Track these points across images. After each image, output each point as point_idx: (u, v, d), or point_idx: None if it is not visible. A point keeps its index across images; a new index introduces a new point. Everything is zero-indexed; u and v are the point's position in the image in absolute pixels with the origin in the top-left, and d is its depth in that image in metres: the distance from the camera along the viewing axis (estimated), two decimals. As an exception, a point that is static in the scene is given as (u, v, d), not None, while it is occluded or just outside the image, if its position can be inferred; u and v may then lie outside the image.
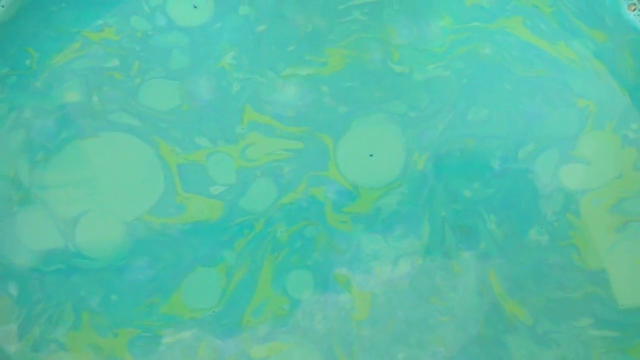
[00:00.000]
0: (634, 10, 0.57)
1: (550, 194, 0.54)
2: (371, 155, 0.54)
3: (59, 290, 0.51)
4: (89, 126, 0.53)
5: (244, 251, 0.52)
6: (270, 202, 0.53)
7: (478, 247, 0.53)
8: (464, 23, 0.57)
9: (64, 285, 0.51)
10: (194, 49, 0.54)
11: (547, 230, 0.53)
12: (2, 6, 0.54)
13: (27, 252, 0.51)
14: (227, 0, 0.55)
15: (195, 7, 0.54)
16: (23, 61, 0.53)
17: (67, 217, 0.52)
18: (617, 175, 0.54)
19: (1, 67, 0.53)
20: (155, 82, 0.54)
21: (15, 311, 0.51)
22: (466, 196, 0.54)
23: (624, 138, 0.54)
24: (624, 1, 0.56)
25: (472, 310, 0.52)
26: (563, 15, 0.56)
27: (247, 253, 0.52)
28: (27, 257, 0.51)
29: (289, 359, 0.51)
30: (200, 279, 0.52)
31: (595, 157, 0.54)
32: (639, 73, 0.55)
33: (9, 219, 0.52)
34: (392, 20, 0.56)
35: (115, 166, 0.52)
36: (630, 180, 0.54)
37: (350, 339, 0.51)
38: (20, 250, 0.51)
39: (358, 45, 0.55)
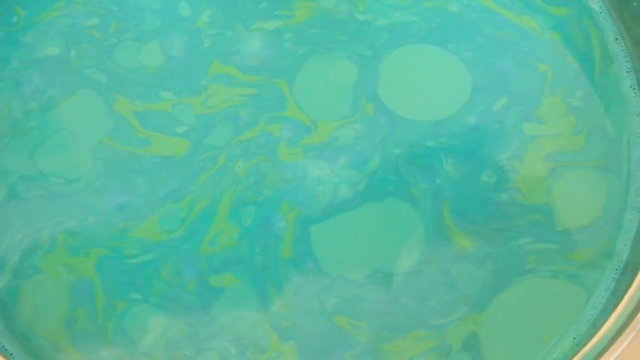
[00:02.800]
0: None
1: (508, 144, 0.58)
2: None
3: (38, 216, 0.56)
4: (66, 82, 0.58)
5: (207, 184, 0.56)
6: (229, 139, 0.57)
7: (433, 182, 0.57)
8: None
9: (44, 211, 0.56)
10: (167, 11, 0.60)
11: (496, 173, 0.57)
12: None
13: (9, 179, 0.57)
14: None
15: None
16: (11, 18, 0.59)
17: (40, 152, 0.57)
18: (558, 133, 0.58)
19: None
20: (130, 43, 0.59)
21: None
22: (428, 145, 0.58)
23: (568, 105, 0.59)
24: None
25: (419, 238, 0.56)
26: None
27: (209, 186, 0.56)
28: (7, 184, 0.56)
29: (239, 293, 0.55)
30: (170, 212, 0.56)
31: (547, 118, 0.59)
32: (586, 44, 0.60)
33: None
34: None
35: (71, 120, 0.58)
36: (567, 140, 0.58)
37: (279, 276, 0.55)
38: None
39: (325, -1, 0.61)
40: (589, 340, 0.53)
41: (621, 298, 0.53)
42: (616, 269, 0.55)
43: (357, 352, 0.54)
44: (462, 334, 0.54)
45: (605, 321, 0.53)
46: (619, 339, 0.51)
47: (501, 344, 0.54)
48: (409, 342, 0.54)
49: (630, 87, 0.59)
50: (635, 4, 0.60)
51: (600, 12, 0.61)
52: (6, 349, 0.54)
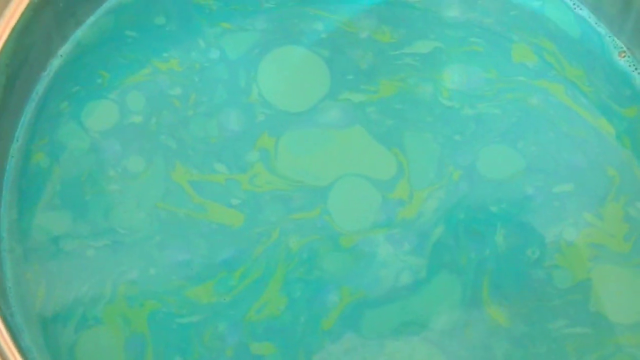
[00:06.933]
0: (624, 57, 0.62)
1: (560, 224, 0.60)
2: None
3: (104, 267, 0.58)
4: (141, 147, 0.62)
5: (261, 257, 0.59)
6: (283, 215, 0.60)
7: (483, 253, 0.59)
8: (509, 76, 0.64)
9: (110, 261, 0.59)
10: (232, 84, 0.64)
11: (539, 249, 0.59)
12: (61, 55, 0.63)
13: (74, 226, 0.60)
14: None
15: None
16: (94, 80, 0.63)
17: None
18: (611, 235, 0.60)
19: (72, 87, 0.63)
20: (201, 117, 0.63)
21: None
22: (490, 210, 0.60)
23: (626, 214, 0.60)
24: (614, 49, 0.63)
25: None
26: (600, 96, 0.64)
27: (263, 259, 0.59)
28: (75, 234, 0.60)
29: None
30: (224, 279, 0.59)
31: (606, 217, 0.60)
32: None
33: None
34: (443, 67, 0.64)
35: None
36: (617, 243, 0.60)
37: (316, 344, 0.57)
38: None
39: (410, 79, 0.64)
40: None
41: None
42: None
43: None
44: None
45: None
46: None
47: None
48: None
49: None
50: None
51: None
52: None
